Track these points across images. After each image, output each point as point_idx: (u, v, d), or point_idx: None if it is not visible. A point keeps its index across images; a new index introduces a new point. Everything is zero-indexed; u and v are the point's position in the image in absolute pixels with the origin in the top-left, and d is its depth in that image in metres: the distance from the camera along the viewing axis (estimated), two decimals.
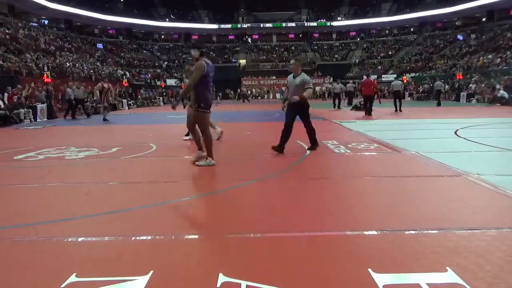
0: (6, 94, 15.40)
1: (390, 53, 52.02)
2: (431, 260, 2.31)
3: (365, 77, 15.87)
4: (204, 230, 2.95)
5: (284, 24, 57.22)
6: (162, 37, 57.07)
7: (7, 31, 30.17)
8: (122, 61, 44.80)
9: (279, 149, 6.25)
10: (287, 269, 2.26)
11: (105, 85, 14.96)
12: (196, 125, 5.45)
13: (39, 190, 4.43)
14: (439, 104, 21.16)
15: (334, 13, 58.24)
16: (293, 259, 2.40)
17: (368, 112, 14.59)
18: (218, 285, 2.07)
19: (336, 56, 54.95)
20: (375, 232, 2.79)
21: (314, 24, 57.11)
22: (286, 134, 6.28)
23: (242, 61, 54.01)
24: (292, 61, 6.57)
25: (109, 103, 16.66)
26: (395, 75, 39.94)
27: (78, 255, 2.57)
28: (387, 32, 56.23)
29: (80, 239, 2.79)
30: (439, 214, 3.14)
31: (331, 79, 39.56)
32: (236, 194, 4.06)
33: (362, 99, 15.81)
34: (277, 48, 57.59)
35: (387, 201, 3.60)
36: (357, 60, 52.10)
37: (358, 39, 56.88)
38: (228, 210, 3.51)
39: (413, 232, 2.77)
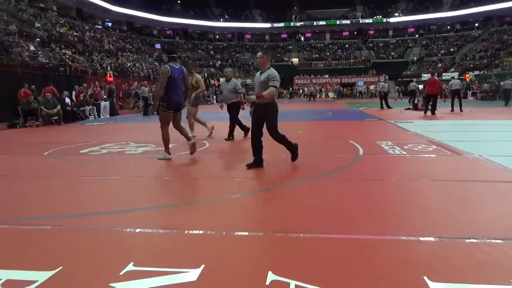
0: (73, 92, 16.57)
1: (451, 50, 49.15)
2: (494, 272, 2.16)
3: (429, 75, 15.21)
4: (254, 228, 2.98)
5: (338, 22, 56.14)
6: (217, 36, 58.32)
7: (75, 33, 32.45)
8: (178, 61, 46.33)
9: (256, 164, 5.22)
10: (337, 271, 2.23)
11: None
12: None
13: (101, 182, 4.73)
14: (506, 104, 19.66)
15: (391, 9, 56.12)
16: (343, 261, 2.35)
17: (432, 111, 13.98)
18: (267, 283, 2.09)
19: (393, 53, 52.92)
20: (432, 239, 2.65)
21: (370, 20, 55.44)
22: (254, 144, 5.25)
23: (295, 60, 53.74)
24: (259, 54, 5.34)
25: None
26: (456, 74, 37.69)
27: (135, 245, 2.71)
28: (448, 27, 53.19)
29: (137, 230, 2.94)
30: (504, 223, 2.93)
31: (387, 77, 38.15)
32: (286, 193, 4.06)
33: (421, 98, 15.13)
34: (330, 46, 56.63)
35: (446, 207, 3.41)
36: (415, 57, 49.79)
37: (417, 35, 54.38)
38: (278, 209, 3.51)
39: (474, 240, 2.60)
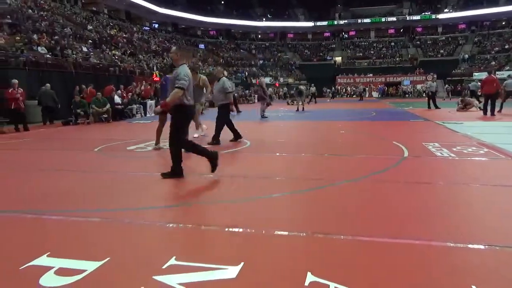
0: (120, 92, 17.29)
1: (506, 47, 46.14)
2: None
3: (485, 74, 14.33)
4: (294, 228, 2.96)
5: (383, 19, 54.49)
6: (259, 36, 58.59)
7: (124, 35, 33.87)
8: (221, 60, 47.12)
9: (172, 174, 4.71)
10: (379, 276, 2.17)
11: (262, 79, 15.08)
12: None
13: (146, 178, 4.90)
14: None
15: (441, 5, 53.67)
16: (385, 266, 2.29)
17: (491, 112, 13.18)
18: (306, 283, 2.07)
19: (442, 51, 50.56)
20: (482, 247, 2.51)
21: (417, 17, 53.33)
22: (191, 150, 4.84)
23: (338, 59, 52.82)
24: (173, 49, 4.86)
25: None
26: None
27: (178, 240, 2.79)
28: (503, 23, 49.95)
29: (180, 225, 3.02)
30: None
31: (435, 76, 36.54)
32: (327, 194, 4.01)
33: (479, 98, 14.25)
34: (375, 45, 55.11)
35: (497, 213, 3.22)
36: (466, 55, 47.23)
37: (468, 32, 51.60)
38: (319, 209, 3.48)
39: None
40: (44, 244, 2.71)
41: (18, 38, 18.60)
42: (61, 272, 2.25)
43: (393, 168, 5.11)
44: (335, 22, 56.12)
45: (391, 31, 56.11)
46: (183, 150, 4.76)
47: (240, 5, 54.49)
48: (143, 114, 17.42)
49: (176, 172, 4.69)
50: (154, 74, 21.79)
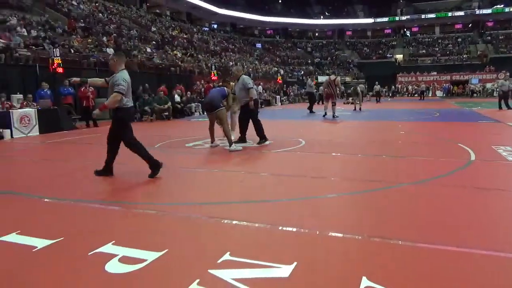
0: (179, 91, 17.97)
1: None
2: None
3: None
4: (349, 230, 2.89)
5: (449, 14, 51.28)
6: (316, 34, 57.88)
7: (184, 36, 35.14)
8: (278, 59, 47.21)
9: (104, 172, 4.89)
10: (438, 285, 2.05)
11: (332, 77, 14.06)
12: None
13: (203, 174, 5.06)
14: None
15: None
16: (447, 276, 2.16)
17: None
18: None
19: None
20: None
21: (488, 11, 49.53)
22: (110, 152, 4.92)
23: (399, 56, 50.63)
24: (110, 56, 4.83)
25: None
26: None
27: (232, 236, 2.85)
28: None
29: (234, 222, 3.08)
30: None
31: (507, 74, 33.72)
32: (386, 196, 3.87)
33: None
34: (440, 41, 52.04)
35: None
36: None
37: None
38: (376, 212, 3.37)
39: None
40: (110, 233, 2.90)
41: (89, 40, 20.03)
42: (124, 260, 2.40)
43: (458, 172, 4.80)
44: (397, 18, 53.81)
45: (458, 26, 52.66)
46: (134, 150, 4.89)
47: (298, 4, 54.20)
48: (201, 112, 17.96)
49: (155, 165, 4.80)
50: (212, 74, 22.42)
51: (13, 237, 2.82)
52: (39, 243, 2.70)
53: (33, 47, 15.06)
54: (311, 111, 16.75)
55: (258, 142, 7.38)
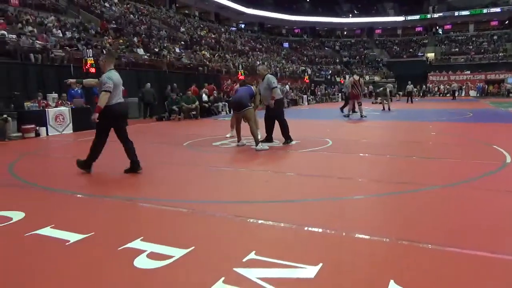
0: (207, 90, 18.18)
1: None
2: None
3: None
4: (376, 232, 2.84)
5: (484, 10, 49.33)
6: (345, 33, 57.11)
7: (212, 36, 35.49)
8: (305, 59, 46.91)
9: (86, 165, 5.09)
10: None
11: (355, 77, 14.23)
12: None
13: (229, 173, 5.10)
14: None
15: None
16: (478, 282, 2.09)
17: None
18: None
19: None
20: None
21: None
22: (127, 151, 5.12)
23: (430, 55, 49.20)
24: (100, 58, 5.27)
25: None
26: None
27: (257, 235, 2.86)
28: None
29: (260, 221, 3.09)
30: None
31: None
32: (415, 199, 3.78)
33: None
34: (474, 39, 50.16)
35: None
36: None
37: None
38: (404, 214, 3.29)
39: None
40: (139, 229, 2.98)
41: (121, 41, 20.57)
42: (152, 256, 2.45)
43: (492, 175, 4.63)
44: (428, 16, 52.28)
45: (494, 23, 50.57)
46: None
47: (326, 2, 53.61)
48: (228, 111, 18.09)
49: (87, 166, 5.05)
50: (239, 73, 22.58)
51: (48, 231, 2.94)
52: (72, 237, 2.80)
53: (68, 47, 15.61)
54: (353, 111, 16.06)
55: (284, 143, 7.36)
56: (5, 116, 9.13)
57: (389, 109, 17.38)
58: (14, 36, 14.13)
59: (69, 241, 2.74)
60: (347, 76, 17.69)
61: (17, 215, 3.33)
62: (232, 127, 8.29)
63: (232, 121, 8.42)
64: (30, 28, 15.98)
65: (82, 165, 5.09)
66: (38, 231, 2.93)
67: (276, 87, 7.32)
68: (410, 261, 2.37)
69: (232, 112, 8.68)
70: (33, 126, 9.72)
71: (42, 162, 6.37)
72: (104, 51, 17.40)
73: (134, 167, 5.01)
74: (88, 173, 5.05)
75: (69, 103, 11.34)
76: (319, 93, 32.37)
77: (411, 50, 51.29)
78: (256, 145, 6.69)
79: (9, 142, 8.91)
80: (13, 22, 16.29)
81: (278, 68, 35.34)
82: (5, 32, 13.88)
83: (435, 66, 45.57)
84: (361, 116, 13.57)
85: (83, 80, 5.77)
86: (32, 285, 2.16)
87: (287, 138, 7.42)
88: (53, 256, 2.52)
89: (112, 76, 4.84)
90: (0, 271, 2.35)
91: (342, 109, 16.18)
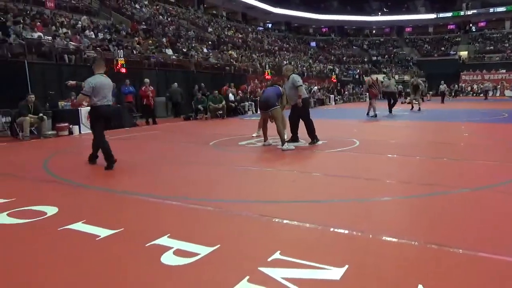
0: (233, 90, 18.29)
1: None
2: None
3: None
4: (404, 235, 2.78)
5: None
6: (373, 31, 56.08)
7: (239, 35, 35.68)
8: (332, 58, 46.41)
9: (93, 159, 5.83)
10: None
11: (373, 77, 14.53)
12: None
13: (255, 173, 5.12)
14: None
15: None
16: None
17: None
18: None
19: None
20: None
21: None
22: (102, 148, 5.58)
23: (463, 53, 47.55)
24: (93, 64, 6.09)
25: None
26: None
27: (282, 235, 2.86)
28: None
29: (285, 221, 3.09)
30: None
31: None
32: (444, 201, 3.66)
33: None
34: (510, 36, 48.09)
35: None
36: None
37: None
38: (433, 218, 3.20)
39: None
40: (166, 226, 3.04)
41: (150, 41, 21.00)
42: (179, 253, 2.50)
43: None
44: (462, 13, 50.53)
45: None
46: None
47: (355, 1, 52.83)
48: (254, 111, 18.14)
49: (93, 154, 5.78)
50: (266, 73, 22.61)
51: (79, 226, 3.05)
52: (102, 232, 2.89)
53: (99, 48, 16.08)
54: (390, 112, 15.29)
55: (310, 143, 7.31)
56: (41, 114, 9.51)
57: (419, 109, 16.79)
58: (49, 37, 14.69)
59: (99, 236, 2.83)
60: (385, 77, 17.24)
61: (51, 210, 3.47)
62: (260, 127, 8.28)
63: (260, 121, 8.42)
64: (64, 30, 16.57)
65: (89, 158, 5.82)
66: (70, 226, 3.04)
67: (301, 85, 7.25)
68: (439, 265, 2.30)
69: (259, 112, 8.70)
70: (66, 124, 10.09)
71: (75, 159, 6.60)
72: (134, 52, 17.85)
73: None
74: (94, 164, 5.73)
75: None
76: (346, 92, 31.92)
77: (442, 48, 49.78)
78: (282, 144, 6.68)
79: (44, 139, 9.28)
80: (49, 24, 16.93)
81: (305, 68, 35.14)
82: (41, 34, 14.45)
83: (468, 65, 44.02)
84: (372, 115, 13.59)
85: (82, 82, 6.20)
86: (64, 277, 2.25)
87: (313, 138, 7.36)
88: (84, 250, 2.61)
89: (92, 81, 5.37)
90: (35, 263, 2.45)
91: (389, 110, 15.45)
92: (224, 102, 15.04)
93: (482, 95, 34.03)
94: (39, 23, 15.95)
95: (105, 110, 5.50)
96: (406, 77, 42.58)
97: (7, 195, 4.02)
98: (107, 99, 5.48)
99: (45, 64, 13.07)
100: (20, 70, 11.43)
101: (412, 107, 17.34)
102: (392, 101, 15.59)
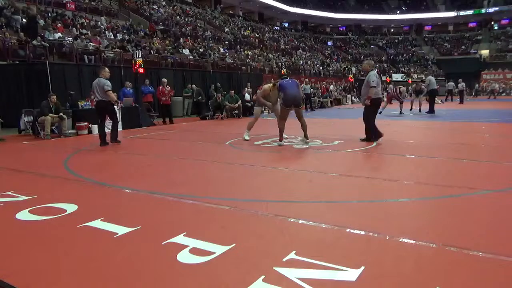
0: (250, 90, 18.32)
1: None
2: None
3: None
4: (422, 237, 2.73)
5: None
6: (392, 30, 55.33)
7: (256, 35, 35.69)
8: (349, 57, 45.99)
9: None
10: None
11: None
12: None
13: (271, 172, 5.11)
14: None
15: None
16: None
17: None
18: None
19: None
20: None
21: None
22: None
23: (484, 52, 46.45)
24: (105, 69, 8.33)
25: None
26: None
27: (298, 235, 2.84)
28: None
29: (300, 221, 3.08)
30: None
31: None
32: (464, 203, 3.59)
33: None
34: None
35: None
36: None
37: None
38: (452, 219, 3.14)
39: None
40: (182, 224, 3.06)
41: (167, 42, 21.21)
42: (195, 251, 2.52)
43: None
44: (483, 11, 49.40)
45: None
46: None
47: None
48: (269, 111, 18.13)
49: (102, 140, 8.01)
50: (282, 72, 22.63)
51: (98, 223, 3.11)
52: (120, 230, 2.93)
53: (118, 49, 16.34)
54: (432, 111, 15.01)
55: (363, 139, 7.48)
56: (61, 114, 9.73)
57: (419, 110, 15.96)
58: (70, 38, 15.01)
59: (117, 233, 2.87)
60: (424, 76, 17.24)
61: (70, 207, 3.55)
62: (249, 128, 8.22)
63: (252, 121, 8.35)
64: (84, 31, 16.90)
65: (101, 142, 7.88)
66: (89, 223, 3.10)
67: (374, 87, 7.13)
68: (459, 268, 2.26)
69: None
70: (86, 123, 10.28)
71: (94, 158, 6.72)
72: (152, 52, 18.05)
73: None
74: (106, 145, 7.66)
75: (119, 102, 11.86)
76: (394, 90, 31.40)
77: (463, 47, 48.79)
78: (306, 138, 7.16)
79: (64, 138, 9.49)
80: (70, 26, 17.30)
81: (321, 67, 34.92)
82: (62, 35, 14.77)
83: (490, 63, 42.98)
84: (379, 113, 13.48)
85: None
86: (82, 273, 2.29)
87: (375, 137, 7.33)
88: (102, 247, 2.66)
89: (94, 83, 7.96)
90: (54, 259, 2.51)
91: (430, 110, 15.14)
92: (240, 102, 15.08)
93: (504, 94, 33.14)
94: (60, 24, 16.31)
95: (97, 104, 8.08)
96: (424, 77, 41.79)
97: (29, 192, 4.13)
98: (97, 96, 7.97)
99: (66, 64, 13.35)
100: (42, 71, 11.71)
101: (412, 107, 17.25)
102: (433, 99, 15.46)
